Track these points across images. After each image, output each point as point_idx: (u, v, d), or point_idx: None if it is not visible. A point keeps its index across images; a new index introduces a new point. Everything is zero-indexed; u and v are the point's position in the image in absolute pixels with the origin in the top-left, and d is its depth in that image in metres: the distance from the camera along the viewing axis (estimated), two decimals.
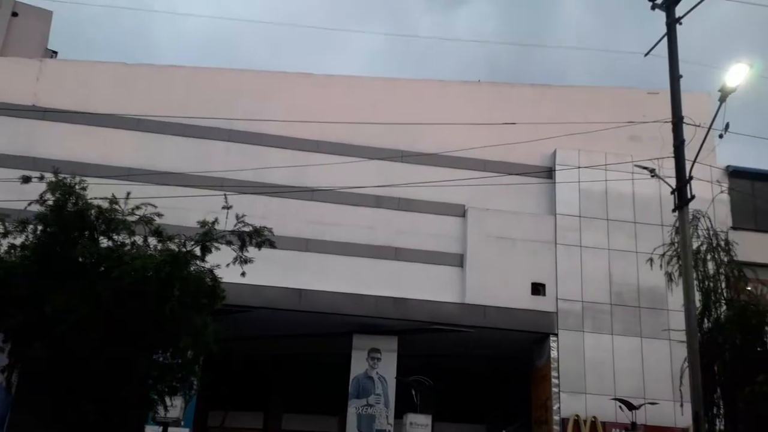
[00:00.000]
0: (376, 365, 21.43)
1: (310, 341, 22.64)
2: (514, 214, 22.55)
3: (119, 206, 12.14)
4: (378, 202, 22.06)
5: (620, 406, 19.53)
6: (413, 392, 19.99)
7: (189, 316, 11.63)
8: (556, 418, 20.64)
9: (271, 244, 12.39)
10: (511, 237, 22.27)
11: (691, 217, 14.96)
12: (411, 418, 19.51)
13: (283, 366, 24.86)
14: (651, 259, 16.58)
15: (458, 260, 22.13)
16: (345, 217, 21.79)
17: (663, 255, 16.37)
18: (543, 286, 21.97)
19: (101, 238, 12.07)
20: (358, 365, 21.38)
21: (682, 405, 14.37)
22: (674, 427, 20.23)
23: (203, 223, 12.06)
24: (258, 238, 12.26)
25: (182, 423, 17.40)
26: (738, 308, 15.30)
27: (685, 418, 14.13)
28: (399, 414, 20.44)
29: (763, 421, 14.49)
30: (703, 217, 16.50)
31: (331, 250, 21.33)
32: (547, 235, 22.49)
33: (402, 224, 22.10)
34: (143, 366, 11.69)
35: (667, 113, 14.50)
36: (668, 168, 14.85)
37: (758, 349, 14.92)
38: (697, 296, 14.93)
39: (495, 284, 21.54)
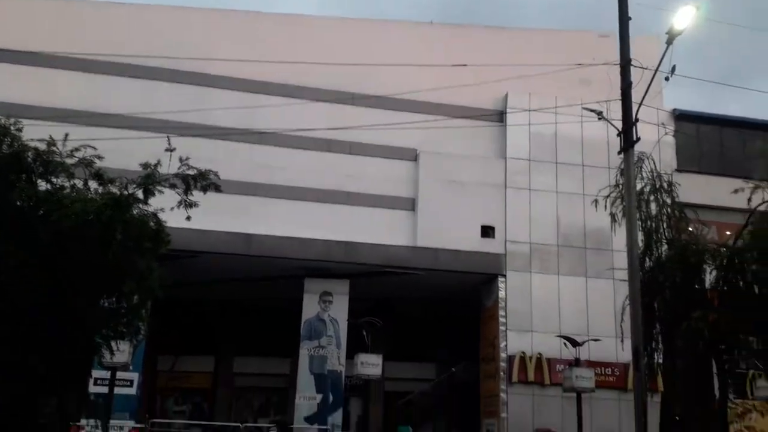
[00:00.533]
0: (327, 308, 21.55)
1: (260, 285, 22.60)
2: (465, 157, 22.60)
3: (57, 148, 11.69)
4: (328, 145, 21.81)
5: (564, 343, 20.11)
6: (364, 333, 20.20)
7: (133, 260, 11.41)
8: (503, 355, 21.19)
9: (217, 188, 12.12)
10: (462, 180, 22.39)
11: (636, 159, 15.17)
12: (362, 358, 19.78)
13: (233, 310, 24.82)
14: (596, 201, 16.87)
15: (410, 204, 22.19)
16: (294, 160, 21.54)
17: (608, 196, 16.66)
18: (492, 228, 22.26)
19: (39, 181, 11.66)
20: (310, 308, 21.48)
21: (623, 341, 14.84)
22: (616, 362, 21.03)
23: (146, 166, 11.73)
24: (203, 181, 11.94)
25: (131, 367, 17.29)
26: (679, 248, 15.71)
27: (626, 354, 14.57)
28: (351, 354, 20.69)
29: (700, 357, 15.11)
30: (648, 159, 16.77)
31: (280, 194, 21.12)
32: (498, 178, 22.67)
33: (352, 168, 21.96)
34: (87, 311, 11.47)
35: (618, 56, 14.50)
36: (616, 111, 14.91)
37: (696, 286, 15.40)
38: (640, 236, 15.26)
39: (446, 227, 21.71)
